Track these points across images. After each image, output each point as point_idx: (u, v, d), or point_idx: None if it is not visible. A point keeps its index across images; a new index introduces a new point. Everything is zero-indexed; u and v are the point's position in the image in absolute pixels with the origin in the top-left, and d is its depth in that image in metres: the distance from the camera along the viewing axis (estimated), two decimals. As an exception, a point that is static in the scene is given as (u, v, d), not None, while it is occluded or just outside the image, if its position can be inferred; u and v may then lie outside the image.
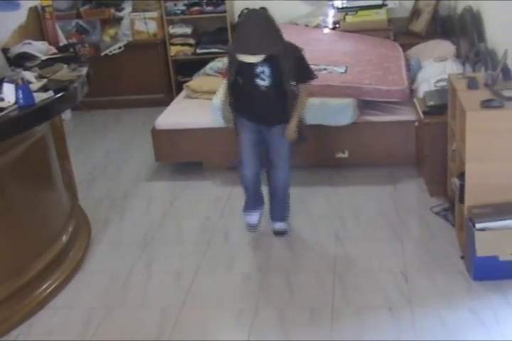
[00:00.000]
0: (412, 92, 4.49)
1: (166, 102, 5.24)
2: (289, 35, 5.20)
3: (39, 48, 3.42)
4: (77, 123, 5.80)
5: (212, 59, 5.61)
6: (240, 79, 3.39)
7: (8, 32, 3.46)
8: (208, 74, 5.29)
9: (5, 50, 3.30)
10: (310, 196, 4.12)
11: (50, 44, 3.57)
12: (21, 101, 2.77)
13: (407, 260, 3.31)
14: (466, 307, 2.88)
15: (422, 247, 3.43)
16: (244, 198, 3.72)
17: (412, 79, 4.62)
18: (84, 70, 3.35)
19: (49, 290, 3.19)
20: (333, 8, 5.86)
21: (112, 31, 6.19)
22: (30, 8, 3.65)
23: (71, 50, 3.56)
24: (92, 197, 4.32)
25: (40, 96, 2.86)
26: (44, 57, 3.37)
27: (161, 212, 4.07)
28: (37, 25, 3.71)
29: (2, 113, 2.70)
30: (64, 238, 3.45)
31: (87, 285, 3.31)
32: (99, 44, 6.06)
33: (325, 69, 4.57)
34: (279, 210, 3.66)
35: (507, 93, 3.06)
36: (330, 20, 5.86)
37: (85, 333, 2.93)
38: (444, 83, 4.12)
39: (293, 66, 3.26)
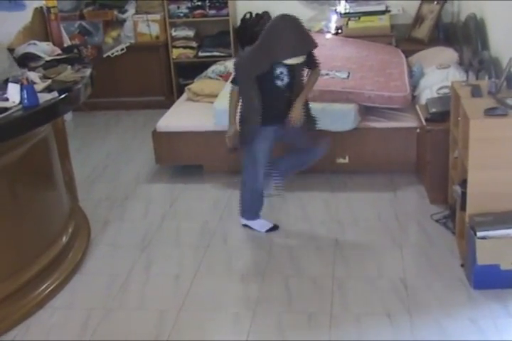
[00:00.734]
0: (414, 99, 4.50)
1: (166, 105, 5.26)
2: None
3: (43, 49, 3.42)
4: (78, 124, 5.81)
5: (214, 62, 5.61)
6: (255, 90, 3.40)
7: (13, 32, 3.46)
8: (210, 78, 5.30)
9: (10, 51, 3.30)
10: (309, 201, 4.13)
11: (54, 45, 3.58)
12: (26, 101, 2.77)
13: (406, 267, 3.31)
14: (465, 316, 2.88)
15: (421, 254, 3.43)
16: (242, 207, 3.77)
17: (414, 86, 4.63)
18: (87, 71, 3.36)
19: (48, 290, 3.18)
20: (336, 13, 5.88)
21: (114, 33, 6.20)
22: (36, 9, 3.66)
23: (75, 51, 3.56)
24: (91, 198, 4.32)
25: (44, 97, 2.86)
26: (48, 58, 3.37)
27: (160, 214, 4.07)
28: (42, 25, 3.71)
29: (6, 113, 2.70)
30: (64, 239, 3.45)
31: (86, 286, 3.31)
32: (101, 45, 6.06)
33: (327, 74, 4.57)
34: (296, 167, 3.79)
35: (511, 101, 3.07)
36: (332, 25, 5.88)
37: (83, 334, 2.92)
38: (446, 90, 4.13)
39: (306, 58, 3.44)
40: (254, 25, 5.87)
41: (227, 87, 4.76)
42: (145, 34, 6.15)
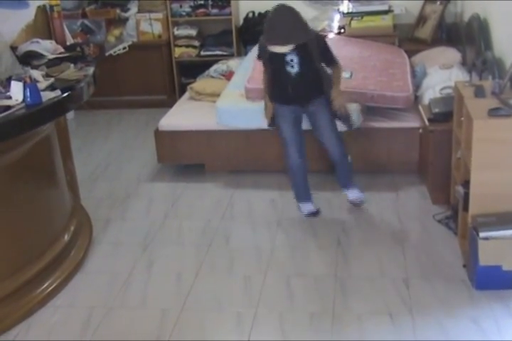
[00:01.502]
0: (417, 99, 4.50)
1: (168, 104, 5.25)
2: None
3: (46, 47, 3.41)
4: (80, 122, 5.81)
5: (217, 61, 5.61)
6: (271, 68, 3.67)
7: (16, 30, 3.46)
8: (212, 77, 5.30)
9: (13, 49, 3.30)
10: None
11: (57, 43, 3.57)
12: (29, 99, 2.76)
13: (408, 267, 3.31)
14: (467, 316, 2.88)
15: (423, 255, 3.43)
16: (294, 189, 3.94)
17: (416, 86, 4.62)
18: (90, 70, 3.35)
19: (49, 289, 3.18)
20: (339, 13, 5.87)
21: (116, 31, 6.20)
22: (39, 7, 3.65)
23: (78, 49, 3.56)
24: (93, 196, 4.32)
25: (47, 95, 2.85)
26: (51, 56, 3.37)
27: (162, 213, 4.07)
28: (45, 24, 3.70)
29: (9, 111, 2.69)
30: (65, 237, 3.44)
31: (88, 284, 3.31)
32: (103, 44, 6.04)
33: (330, 74, 4.57)
34: (346, 179, 3.98)
35: (514, 102, 3.06)
36: (335, 24, 5.87)
37: (85, 333, 2.92)
38: (449, 90, 4.12)
39: (319, 53, 3.57)
40: (256, 25, 5.85)
41: (230, 86, 4.77)
42: (147, 33, 6.15)
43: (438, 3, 5.66)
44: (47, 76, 3.13)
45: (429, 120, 3.93)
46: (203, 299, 3.14)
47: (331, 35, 5.69)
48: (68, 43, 3.78)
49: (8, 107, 2.72)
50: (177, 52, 6.16)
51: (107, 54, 5.92)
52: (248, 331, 2.88)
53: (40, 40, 3.44)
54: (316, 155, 4.29)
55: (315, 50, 3.54)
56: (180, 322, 2.96)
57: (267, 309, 3.03)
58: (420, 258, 3.40)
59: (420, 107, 4.21)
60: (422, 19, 5.79)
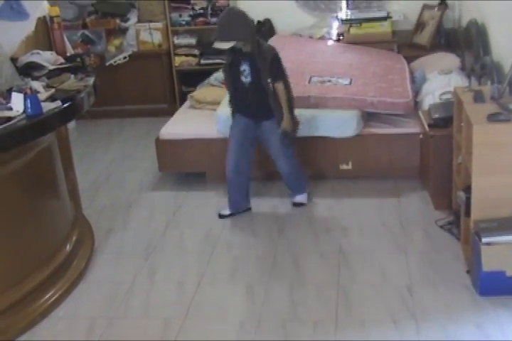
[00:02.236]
0: (417, 105, 4.50)
1: (169, 112, 5.27)
2: (293, 47, 5.32)
3: (47, 58, 3.43)
4: (81, 132, 5.82)
5: (217, 69, 5.60)
6: (229, 78, 3.87)
7: (16, 41, 3.47)
8: (212, 85, 5.30)
9: (13, 60, 3.31)
10: (313, 207, 4.12)
11: (57, 54, 3.59)
12: (29, 110, 2.77)
13: (411, 273, 3.30)
14: (471, 322, 2.87)
15: (426, 261, 3.42)
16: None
17: (416, 92, 4.63)
18: (90, 80, 3.37)
19: (52, 299, 3.18)
20: (338, 20, 5.89)
21: (117, 41, 6.22)
22: (39, 19, 3.67)
23: (78, 60, 3.57)
24: (95, 206, 4.32)
25: (47, 106, 2.86)
26: (51, 67, 3.38)
27: (164, 222, 4.07)
28: (45, 35, 3.72)
29: (10, 122, 2.70)
30: (67, 247, 3.44)
31: (90, 294, 3.30)
32: (104, 54, 6.08)
33: (329, 81, 4.59)
34: (295, 186, 4.08)
35: (514, 107, 3.06)
36: (334, 31, 5.88)
37: (88, 343, 2.92)
38: (449, 96, 4.13)
39: (268, 65, 3.67)
40: (256, 33, 5.86)
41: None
42: (147, 42, 6.18)
43: (436, 9, 5.68)
44: (47, 87, 3.15)
45: (429, 125, 3.93)
46: (206, 308, 3.13)
47: (330, 42, 5.73)
48: (69, 54, 3.80)
49: (9, 118, 2.73)
50: (177, 61, 6.18)
51: (107, 64, 5.96)
52: (251, 340, 2.87)
53: (40, 51, 3.47)
54: (317, 161, 4.30)
55: (264, 62, 3.65)
56: (182, 331, 2.95)
57: (269, 317, 3.02)
58: (423, 264, 3.40)
59: (420, 113, 4.22)
60: (420, 25, 5.81)
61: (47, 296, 3.17)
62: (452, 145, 3.67)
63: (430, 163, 3.94)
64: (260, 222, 3.98)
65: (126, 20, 6.17)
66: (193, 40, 6.17)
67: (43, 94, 2.98)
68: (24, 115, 2.78)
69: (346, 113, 4.27)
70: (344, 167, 4.38)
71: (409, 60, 5.26)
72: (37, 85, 3.06)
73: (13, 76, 3.07)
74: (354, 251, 3.58)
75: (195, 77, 5.86)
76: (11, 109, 2.82)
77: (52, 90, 3.09)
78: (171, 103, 6.22)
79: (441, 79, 4.51)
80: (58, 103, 2.93)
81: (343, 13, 5.88)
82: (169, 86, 6.25)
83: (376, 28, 5.71)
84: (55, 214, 3.38)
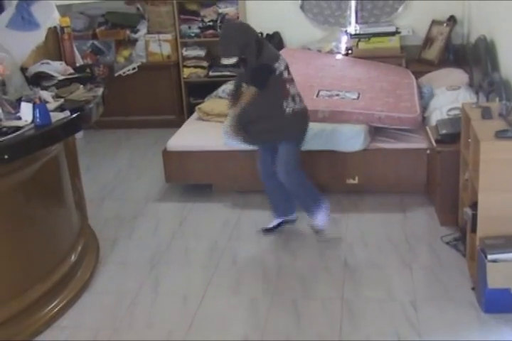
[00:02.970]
0: (424, 120, 4.50)
1: (177, 124, 5.28)
2: (302, 60, 5.34)
3: (56, 68, 3.46)
4: (89, 141, 5.84)
5: (225, 82, 5.64)
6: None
7: (27, 51, 3.50)
8: (221, 97, 5.31)
9: (23, 69, 3.34)
10: (319, 221, 4.11)
11: (67, 64, 3.61)
12: (38, 120, 2.79)
13: (416, 289, 3.28)
14: (475, 339, 2.84)
15: (431, 277, 3.40)
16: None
17: (424, 107, 4.63)
18: (99, 91, 3.39)
19: (56, 309, 3.17)
20: (346, 34, 5.91)
21: (126, 52, 6.26)
22: (49, 29, 3.70)
23: (87, 70, 3.59)
24: (101, 216, 4.32)
25: (56, 116, 2.88)
26: (61, 77, 3.41)
27: (169, 233, 4.06)
28: (55, 45, 3.75)
29: (19, 132, 2.72)
30: (72, 257, 3.44)
31: (94, 305, 3.30)
32: (113, 64, 6.11)
33: (337, 95, 4.60)
34: (304, 207, 3.89)
35: (522, 124, 3.06)
36: (343, 46, 5.91)
37: (91, 355, 2.91)
38: (456, 112, 4.13)
39: (250, 72, 3.54)
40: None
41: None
42: (156, 53, 6.21)
43: (445, 24, 5.70)
44: (56, 97, 3.16)
45: (437, 141, 3.93)
46: (210, 320, 3.12)
47: (338, 57, 5.74)
48: (78, 64, 3.82)
49: (18, 128, 2.75)
50: (186, 72, 6.21)
51: (116, 74, 5.99)
52: (255, 353, 2.86)
53: (50, 62, 3.49)
54: (323, 176, 4.30)
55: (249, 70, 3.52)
56: (186, 343, 2.95)
57: (273, 331, 3.01)
58: (428, 280, 3.38)
59: (427, 128, 4.22)
60: (429, 41, 5.83)
61: (51, 306, 3.17)
62: (459, 161, 3.67)
63: (437, 179, 3.93)
64: (266, 235, 3.98)
65: (136, 31, 6.22)
66: (201, 52, 6.20)
67: (52, 104, 3.00)
68: (33, 125, 2.80)
69: (354, 127, 4.27)
70: (351, 181, 4.37)
71: (418, 75, 5.27)
72: (46, 95, 3.07)
73: (22, 86, 3.09)
74: (359, 266, 3.57)
75: (203, 89, 5.88)
76: (19, 118, 2.83)
77: (61, 100, 3.11)
78: (179, 114, 6.24)
79: (449, 95, 4.52)
80: (67, 113, 2.95)
81: (352, 27, 5.92)
82: (177, 97, 6.27)
83: (385, 42, 5.74)
84: (60, 224, 3.38)
